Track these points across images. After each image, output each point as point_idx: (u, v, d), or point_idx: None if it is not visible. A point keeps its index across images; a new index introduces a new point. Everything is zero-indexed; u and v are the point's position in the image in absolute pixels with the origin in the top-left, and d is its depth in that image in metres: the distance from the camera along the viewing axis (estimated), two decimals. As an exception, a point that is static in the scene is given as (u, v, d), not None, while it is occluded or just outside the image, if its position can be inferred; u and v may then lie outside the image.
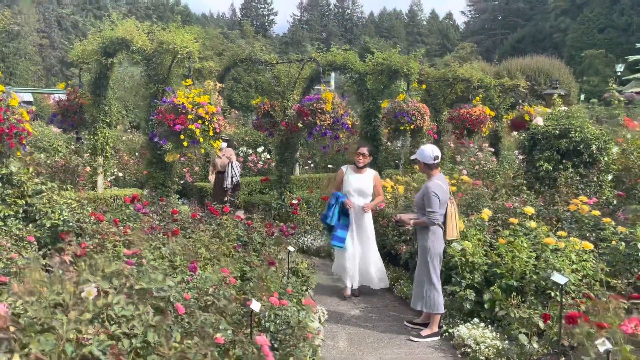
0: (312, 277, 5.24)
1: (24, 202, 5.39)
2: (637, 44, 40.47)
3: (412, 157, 4.80)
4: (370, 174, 5.80)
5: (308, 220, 8.27)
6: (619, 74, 37.38)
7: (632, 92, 35.77)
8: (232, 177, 8.79)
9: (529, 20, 65.73)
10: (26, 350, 1.64)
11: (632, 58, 40.40)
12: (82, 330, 2.00)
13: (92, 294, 2.36)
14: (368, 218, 5.78)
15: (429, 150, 4.60)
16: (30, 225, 5.25)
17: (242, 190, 10.46)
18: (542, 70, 31.71)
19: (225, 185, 8.73)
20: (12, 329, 1.89)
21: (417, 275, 4.64)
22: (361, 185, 5.68)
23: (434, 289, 4.48)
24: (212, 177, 9.12)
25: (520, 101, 13.72)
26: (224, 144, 8.74)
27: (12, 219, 5.18)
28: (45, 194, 5.39)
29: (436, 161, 4.62)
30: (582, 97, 32.25)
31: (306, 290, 4.71)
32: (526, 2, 68.13)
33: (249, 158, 12.83)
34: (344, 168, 5.91)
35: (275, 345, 3.10)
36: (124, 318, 2.38)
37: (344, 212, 5.62)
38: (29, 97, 29.51)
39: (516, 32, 63.85)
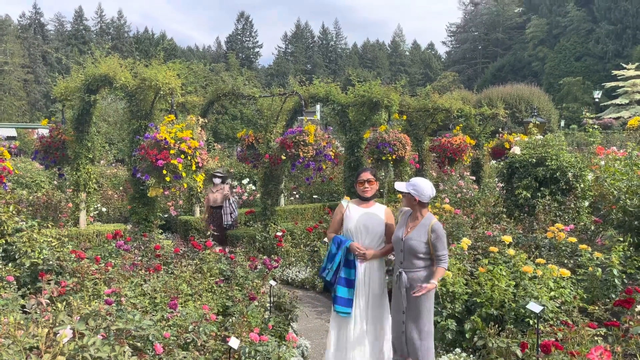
0: (295, 311, 5.23)
1: (4, 242, 5.34)
2: (612, 71, 41.82)
3: (402, 190, 3.95)
4: (379, 208, 4.26)
5: (293, 252, 8.27)
6: (596, 100, 38.47)
7: (610, 117, 36.78)
8: (231, 214, 8.76)
9: (508, 49, 67.66)
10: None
11: (608, 85, 41.66)
12: (55, 374, 2.00)
13: (66, 336, 2.36)
14: (379, 273, 4.18)
15: (429, 189, 3.90)
16: (9, 264, 5.19)
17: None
18: (523, 98, 32.49)
19: (225, 223, 8.69)
20: (-17, 375, 1.89)
21: (414, 329, 3.80)
22: (369, 221, 4.13)
23: (432, 336, 3.91)
24: (206, 215, 8.99)
25: (500, 129, 14.02)
26: (218, 180, 8.75)
27: (-9, 258, 5.13)
28: (26, 232, 5.35)
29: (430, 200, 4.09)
30: (562, 123, 33.04)
31: (288, 324, 4.69)
32: (505, 33, 70.21)
33: (234, 190, 12.85)
34: (344, 202, 4.36)
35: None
36: (100, 359, 2.37)
37: (348, 262, 4.12)
38: (12, 132, 29.39)
39: (496, 61, 65.64)
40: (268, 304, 4.79)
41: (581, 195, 6.83)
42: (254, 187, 12.88)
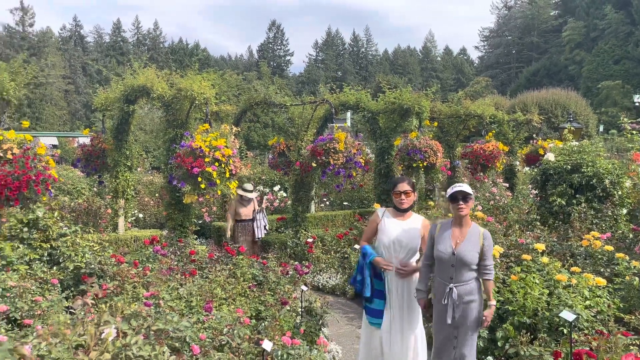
0: (326, 316, 5.29)
1: (49, 246, 5.60)
2: (653, 74, 40.40)
3: (466, 191, 3.64)
4: (416, 220, 4.09)
5: (323, 259, 8.34)
6: (637, 104, 37.21)
7: (651, 122, 35.55)
8: (265, 227, 8.45)
9: (543, 53, 66.27)
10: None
11: (649, 88, 40.23)
12: (101, 370, 2.12)
13: (111, 335, 2.50)
14: (412, 285, 4.05)
15: None
16: (54, 268, 5.44)
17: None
18: (559, 103, 31.74)
19: (257, 237, 8.37)
20: (37, 369, 2.03)
21: (466, 345, 3.65)
22: (404, 235, 3.98)
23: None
24: (231, 224, 8.33)
25: (534, 135, 13.77)
26: (252, 194, 8.36)
27: (37, 262, 5.39)
28: (69, 237, 5.60)
29: None
30: (601, 128, 32.10)
31: (319, 329, 4.76)
32: (540, 36, 68.83)
33: (266, 197, 13.03)
34: (379, 212, 4.20)
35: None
36: (142, 358, 2.50)
37: (377, 274, 4.05)
38: (54, 141, 30.55)
39: (531, 65, 64.34)
40: (299, 309, 4.87)
41: (619, 203, 6.67)
42: (284, 194, 13.03)
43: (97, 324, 2.74)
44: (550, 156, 7.25)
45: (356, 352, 5.26)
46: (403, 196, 4.02)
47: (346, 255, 8.09)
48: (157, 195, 13.16)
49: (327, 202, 13.22)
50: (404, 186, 4.03)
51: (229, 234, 8.24)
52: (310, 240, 8.54)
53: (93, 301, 3.23)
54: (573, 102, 32.03)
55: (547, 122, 27.33)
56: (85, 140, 10.56)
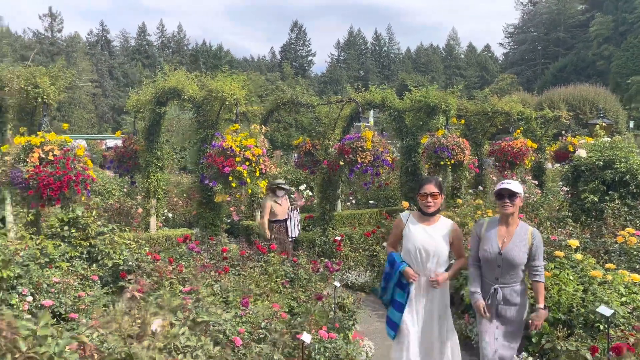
0: (358, 312, 5.35)
1: (88, 244, 5.81)
2: (686, 68, 39.21)
3: (519, 190, 3.52)
4: (444, 225, 3.76)
5: (352, 256, 8.40)
6: (669, 99, 36.18)
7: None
8: (297, 226, 8.22)
9: (570, 49, 64.99)
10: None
11: (682, 83, 39.07)
12: (155, 358, 2.23)
13: (160, 326, 2.61)
14: (442, 293, 3.79)
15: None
16: (93, 265, 5.65)
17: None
18: (587, 99, 31.12)
19: (291, 236, 8.14)
20: (96, 357, 2.15)
21: (507, 348, 3.51)
22: (430, 242, 3.66)
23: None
24: (266, 224, 7.96)
25: (563, 132, 13.56)
26: (282, 192, 8.12)
27: (77, 259, 5.60)
28: (107, 235, 5.79)
29: None
30: (632, 124, 31.34)
31: (353, 324, 4.82)
32: (566, 31, 67.49)
33: (292, 196, 13.16)
34: (403, 216, 3.91)
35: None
36: (188, 348, 2.61)
37: (401, 284, 3.73)
38: (83, 143, 31.26)
39: (557, 61, 63.15)
40: (332, 305, 4.94)
41: (654, 199, 6.55)
42: (310, 193, 13.13)
43: (143, 316, 2.85)
44: (582, 152, 7.16)
45: (387, 348, 5.30)
46: (430, 198, 3.67)
47: (375, 253, 8.13)
48: (185, 195, 13.41)
49: (353, 201, 13.26)
50: (431, 187, 3.67)
51: (269, 233, 7.89)
52: (338, 238, 8.60)
53: (138, 296, 3.35)
54: (602, 98, 31.34)
55: (575, 119, 26.82)
56: (113, 142, 10.83)
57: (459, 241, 3.76)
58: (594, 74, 53.47)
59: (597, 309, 3.36)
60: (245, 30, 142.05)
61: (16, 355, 2.00)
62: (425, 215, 3.76)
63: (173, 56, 67.18)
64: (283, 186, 8.07)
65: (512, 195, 3.46)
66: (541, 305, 3.44)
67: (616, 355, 2.82)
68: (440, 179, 11.88)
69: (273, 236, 7.90)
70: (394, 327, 3.73)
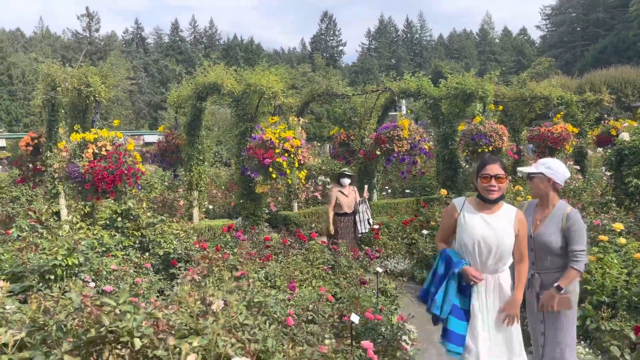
0: (399, 297, 5.47)
1: (140, 234, 6.12)
2: None
3: (531, 171, 3.39)
4: (508, 213, 3.13)
5: (390, 245, 8.49)
6: None
7: None
8: (368, 220, 7.39)
9: (610, 30, 62.53)
10: (194, 344, 2.07)
11: None
12: (219, 333, 2.42)
13: (220, 306, 2.80)
14: (504, 292, 3.15)
15: (564, 168, 3.40)
16: (145, 254, 5.95)
17: (323, 217, 10.90)
18: (629, 81, 30.05)
19: (361, 232, 7.47)
20: (167, 331, 2.35)
21: (552, 343, 3.29)
22: (492, 235, 3.05)
23: (573, 350, 3.34)
24: (331, 217, 7.35)
25: (605, 115, 13.22)
26: (348, 181, 7.35)
27: (130, 248, 5.91)
28: (158, 225, 6.08)
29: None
30: (677, 106, 30.06)
31: (395, 309, 4.95)
32: (606, 12, 64.93)
33: (328, 186, 13.30)
34: (457, 202, 3.25)
35: (378, 357, 3.38)
36: (247, 326, 2.79)
37: (462, 289, 3.15)
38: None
39: (597, 42, 60.90)
40: (375, 290, 5.08)
41: (701, 182, 6.40)
42: (346, 183, 13.23)
43: (203, 297, 3.06)
44: (625, 136, 7.03)
45: (428, 332, 5.41)
46: (494, 181, 3.03)
47: (413, 241, 8.20)
48: (223, 187, 13.75)
49: (389, 190, 13.31)
50: (496, 168, 3.04)
51: (332, 227, 7.30)
52: (376, 227, 8.71)
53: (197, 279, 3.57)
54: (645, 79, 30.19)
55: (617, 102, 25.96)
56: (152, 137, 11.19)
57: (524, 234, 3.13)
58: (635, 55, 51.33)
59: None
60: (275, 22, 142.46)
61: (100, 330, 2.22)
62: (486, 203, 3.10)
63: (206, 51, 68.16)
64: (347, 172, 7.36)
65: (530, 176, 3.11)
66: (560, 284, 3.16)
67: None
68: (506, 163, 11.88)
69: (340, 232, 7.29)
70: (460, 341, 3.05)
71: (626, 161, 6.98)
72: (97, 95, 6.52)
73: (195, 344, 2.03)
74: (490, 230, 3.05)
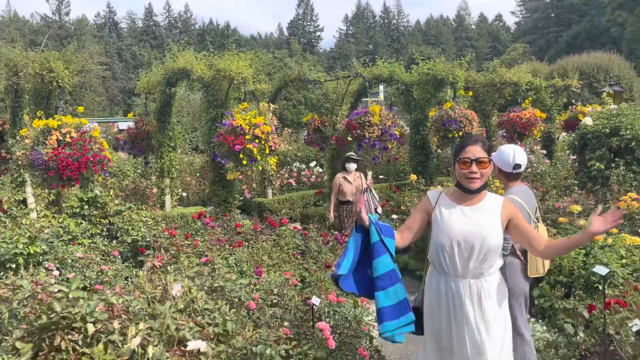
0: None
1: (107, 222, 6.07)
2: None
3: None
4: (493, 203, 2.58)
5: (362, 229, 8.57)
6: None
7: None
8: (375, 209, 6.81)
9: (583, 15, 63.49)
10: (140, 326, 2.08)
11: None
12: (177, 318, 2.44)
13: (179, 291, 2.82)
14: (492, 300, 2.56)
15: (508, 154, 3.30)
16: (113, 241, 5.90)
17: (297, 203, 10.93)
18: (601, 67, 30.58)
19: None
20: (124, 316, 2.36)
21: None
22: (474, 230, 2.50)
23: (524, 341, 3.23)
24: (333, 205, 7.06)
25: (573, 101, 13.49)
26: (354, 165, 6.82)
27: (98, 236, 5.86)
28: (125, 213, 6.03)
29: (517, 170, 3.35)
30: (646, 91, 30.80)
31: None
32: (579, -2, 65.90)
33: (303, 173, 13.34)
34: (431, 195, 2.69)
35: (335, 337, 3.45)
36: (207, 311, 2.82)
37: (373, 249, 2.54)
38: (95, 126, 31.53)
39: (571, 28, 61.81)
40: (342, 274, 5.13)
41: (659, 165, 6.62)
42: (320, 169, 13.30)
43: (165, 284, 3.07)
44: (588, 120, 7.20)
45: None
46: (475, 167, 2.47)
47: (384, 226, 8.29)
48: (198, 174, 13.66)
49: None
50: (477, 151, 2.49)
51: (332, 216, 6.99)
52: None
53: (158, 265, 3.58)
54: (616, 65, 30.77)
55: (589, 87, 26.47)
56: (125, 124, 11.03)
57: (522, 220, 2.59)
58: (608, 41, 52.34)
59: (593, 269, 3.50)
60: (252, 7, 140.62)
61: (51, 316, 2.21)
62: (467, 193, 2.55)
63: (181, 36, 66.96)
64: (353, 156, 6.86)
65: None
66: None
67: (608, 311, 2.97)
68: (450, 151, 12.00)
69: (345, 221, 6.88)
70: (395, 312, 2.51)
71: (589, 145, 7.16)
72: (60, 81, 6.38)
73: (141, 326, 2.05)
74: (472, 225, 2.50)
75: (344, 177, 6.88)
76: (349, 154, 7.12)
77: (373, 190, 6.94)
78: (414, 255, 7.07)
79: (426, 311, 2.70)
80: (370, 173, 7.30)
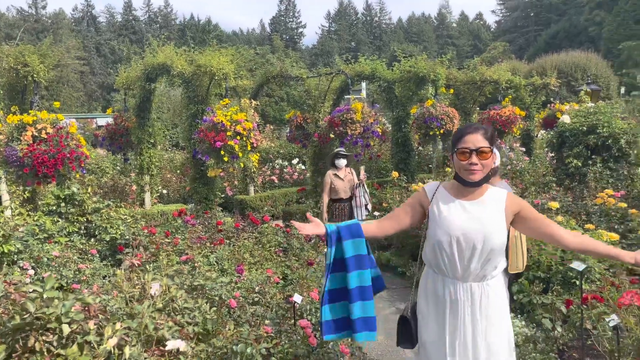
0: (349, 278, 5.54)
1: (85, 220, 5.95)
2: (677, 33, 39.09)
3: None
4: (497, 197, 2.35)
5: (344, 226, 8.58)
6: (659, 64, 36.21)
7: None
8: (366, 205, 6.56)
9: (562, 15, 64.51)
10: (116, 326, 2.04)
11: (673, 47, 39.02)
12: (155, 317, 2.40)
13: (158, 290, 2.78)
14: (496, 306, 2.34)
15: None
16: (91, 240, 5.80)
17: (280, 200, 10.88)
18: (579, 66, 31.09)
19: (358, 218, 6.51)
20: (101, 316, 2.31)
21: None
22: (476, 227, 2.27)
23: None
24: (325, 204, 6.66)
25: (551, 99, 13.69)
26: (344, 162, 6.56)
27: (75, 234, 5.74)
28: (104, 211, 5.92)
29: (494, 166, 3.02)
30: (623, 90, 31.44)
31: (344, 289, 5.02)
32: (558, -3, 66.94)
33: (285, 170, 13.30)
34: (429, 188, 2.46)
35: (317, 335, 3.43)
36: (187, 310, 2.78)
37: (339, 263, 2.46)
38: (73, 122, 30.96)
39: (550, 27, 62.75)
40: (323, 270, 5.13)
41: (635, 162, 6.75)
42: (303, 167, 13.28)
43: (143, 282, 3.02)
44: (566, 118, 7.31)
45: (378, 311, 5.53)
46: (475, 157, 2.24)
47: (366, 223, 8.31)
48: (178, 171, 13.51)
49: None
50: (478, 139, 2.26)
51: (325, 217, 6.63)
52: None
53: (136, 264, 3.52)
54: (593, 64, 31.34)
55: (567, 86, 26.89)
56: (104, 120, 10.85)
57: (530, 210, 2.36)
58: (586, 40, 53.29)
59: (571, 265, 3.56)
60: (234, 3, 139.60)
61: (25, 316, 2.16)
62: (467, 186, 2.32)
63: (161, 31, 66.12)
64: (342, 152, 6.64)
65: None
66: None
67: (585, 306, 3.02)
68: (431, 149, 12.08)
69: (336, 219, 6.57)
70: (338, 326, 2.46)
71: (567, 143, 7.27)
72: (35, 76, 6.23)
73: (118, 326, 2.00)
74: (473, 221, 2.26)
75: (335, 174, 6.53)
76: (338, 149, 6.82)
77: (365, 186, 6.67)
78: (395, 252, 7.10)
79: (420, 318, 2.45)
80: (362, 167, 6.88)
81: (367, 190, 6.71)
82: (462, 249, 2.26)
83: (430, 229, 2.37)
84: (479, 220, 2.27)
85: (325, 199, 6.55)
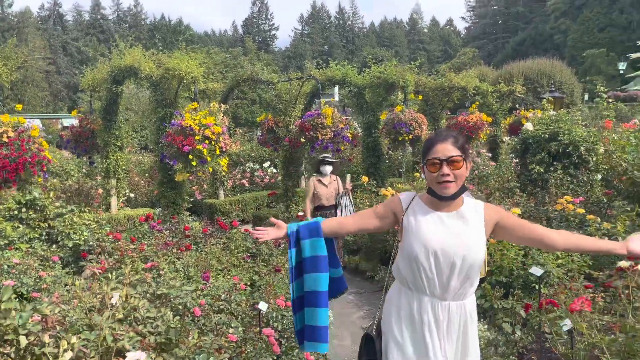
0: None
1: (47, 225, 5.81)
2: (638, 42, 40.67)
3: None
4: (475, 208, 2.24)
5: (314, 231, 8.60)
6: (621, 72, 37.60)
7: (636, 89, 35.95)
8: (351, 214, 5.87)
9: (529, 23, 66.30)
10: (72, 339, 2.01)
11: (634, 56, 40.57)
12: (115, 328, 2.37)
13: (120, 299, 2.74)
14: (473, 327, 2.26)
15: None
16: (53, 246, 5.66)
17: (250, 204, 10.83)
18: (544, 73, 31.91)
19: None
20: (59, 327, 2.27)
21: None
22: (455, 241, 2.15)
23: None
24: (309, 211, 6.45)
25: (517, 105, 14.06)
26: (329, 168, 6.39)
27: (36, 241, 5.60)
28: (67, 216, 5.79)
29: None
30: (586, 97, 32.47)
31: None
32: (525, 6, 68.73)
33: (256, 173, 13.25)
34: (404, 198, 2.33)
35: (283, 342, 3.45)
36: (149, 319, 2.75)
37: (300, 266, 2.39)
38: (37, 123, 30.20)
39: (517, 35, 64.36)
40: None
41: (594, 169, 6.99)
42: (274, 170, 13.25)
43: (105, 291, 2.97)
44: (529, 126, 7.53)
45: (346, 315, 5.58)
46: (445, 168, 2.12)
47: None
48: (147, 175, 13.30)
49: (316, 177, 13.43)
50: (446, 149, 2.14)
51: (308, 213, 6.47)
52: (300, 214, 8.79)
53: (98, 273, 3.46)
54: (558, 71, 32.22)
55: (533, 92, 27.60)
56: (70, 121, 10.62)
57: (510, 217, 2.30)
58: (551, 47, 54.84)
59: (530, 270, 3.67)
60: (206, 3, 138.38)
61: (-21, 329, 2.10)
62: (441, 200, 2.19)
63: (130, 31, 64.97)
64: (328, 158, 6.40)
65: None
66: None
67: (544, 310, 3.12)
68: (401, 154, 12.24)
69: None
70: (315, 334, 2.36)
71: (530, 149, 7.48)
72: (-4, 78, 6.07)
73: (74, 340, 1.98)
74: (452, 236, 2.14)
75: (319, 180, 6.34)
76: (323, 155, 6.57)
77: (350, 195, 6.44)
78: (364, 256, 7.17)
79: (390, 340, 2.27)
80: (348, 176, 6.79)
81: (352, 201, 6.46)
82: (439, 264, 2.13)
83: (405, 242, 2.23)
84: (458, 235, 2.15)
85: (309, 205, 6.34)
